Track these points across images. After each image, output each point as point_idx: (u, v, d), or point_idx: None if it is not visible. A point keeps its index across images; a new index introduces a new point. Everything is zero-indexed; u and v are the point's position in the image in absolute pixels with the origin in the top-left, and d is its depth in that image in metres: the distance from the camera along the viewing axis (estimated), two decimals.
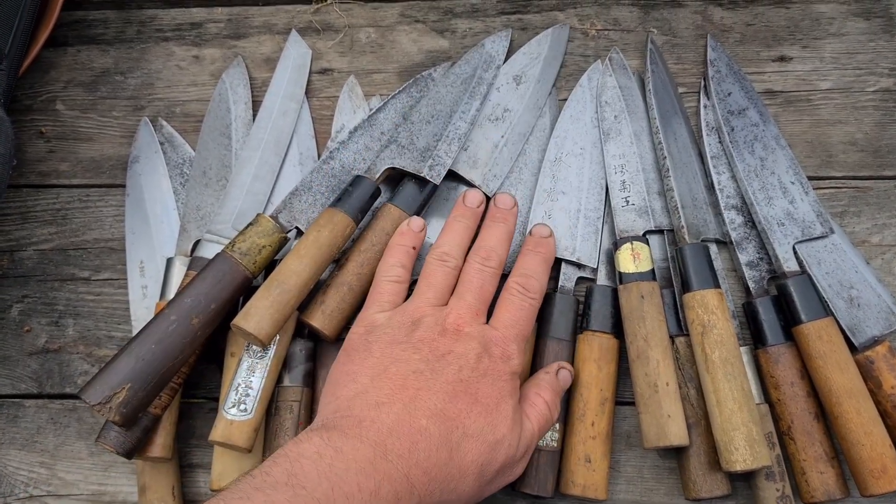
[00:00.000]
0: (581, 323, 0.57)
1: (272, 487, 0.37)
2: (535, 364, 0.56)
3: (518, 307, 0.50)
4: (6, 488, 0.57)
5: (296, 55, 0.65)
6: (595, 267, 0.58)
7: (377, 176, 0.57)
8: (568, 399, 0.55)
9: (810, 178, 0.59)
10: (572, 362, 0.56)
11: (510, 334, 0.49)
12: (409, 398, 0.43)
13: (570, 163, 0.60)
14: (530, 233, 0.55)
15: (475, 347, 0.47)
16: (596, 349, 0.55)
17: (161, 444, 0.53)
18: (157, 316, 0.50)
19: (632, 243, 0.56)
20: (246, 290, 0.53)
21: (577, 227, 0.58)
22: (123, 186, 0.63)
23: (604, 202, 0.59)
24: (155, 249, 0.60)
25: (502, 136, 0.60)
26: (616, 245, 0.57)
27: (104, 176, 0.64)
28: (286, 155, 0.62)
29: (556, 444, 0.54)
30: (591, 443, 0.53)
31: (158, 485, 0.54)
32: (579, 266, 0.58)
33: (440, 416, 0.43)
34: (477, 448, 0.43)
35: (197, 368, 0.57)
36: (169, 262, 0.58)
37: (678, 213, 0.57)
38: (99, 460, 0.57)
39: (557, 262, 0.58)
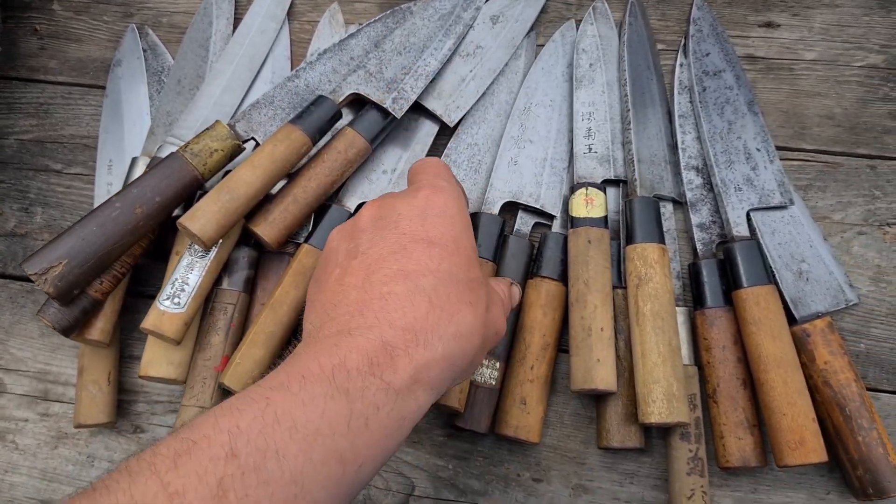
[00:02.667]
0: (532, 268, 0.57)
1: (228, 399, 0.34)
2: None
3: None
4: None
5: None
6: (557, 215, 0.58)
7: (341, 99, 0.58)
8: (511, 342, 0.55)
9: (780, 149, 0.58)
10: (521, 306, 0.56)
11: (441, 180, 0.44)
12: (362, 280, 0.39)
13: (538, 113, 0.60)
14: None
15: (405, 198, 0.42)
16: (543, 295, 0.55)
17: (100, 328, 0.55)
18: (104, 202, 0.52)
19: (587, 188, 0.56)
20: (193, 189, 0.54)
21: (543, 174, 0.58)
22: (103, 88, 0.65)
23: (568, 154, 0.59)
24: (125, 150, 0.62)
25: (471, 71, 0.60)
26: (572, 190, 0.56)
27: (88, 76, 0.66)
28: (259, 72, 0.63)
29: (494, 383, 0.54)
30: (528, 386, 0.53)
31: (95, 368, 0.56)
32: (539, 213, 0.58)
33: (399, 274, 0.38)
34: (456, 287, 0.38)
35: (148, 267, 0.59)
36: (133, 161, 0.60)
37: (633, 165, 0.56)
38: (48, 341, 0.60)
39: (516, 207, 0.58)
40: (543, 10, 0.63)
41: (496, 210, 0.57)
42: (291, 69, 0.64)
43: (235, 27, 0.65)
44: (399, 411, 0.35)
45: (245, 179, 0.53)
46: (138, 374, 0.54)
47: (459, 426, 0.54)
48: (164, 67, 0.64)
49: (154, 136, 0.61)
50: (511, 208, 0.58)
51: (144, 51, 0.65)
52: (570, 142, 0.59)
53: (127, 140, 0.62)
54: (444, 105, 0.60)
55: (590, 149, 0.58)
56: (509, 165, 0.58)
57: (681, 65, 0.60)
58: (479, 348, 0.39)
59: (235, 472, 0.30)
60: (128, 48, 0.65)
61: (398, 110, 0.58)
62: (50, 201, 0.63)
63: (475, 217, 0.56)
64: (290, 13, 0.65)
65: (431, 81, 0.60)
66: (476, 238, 0.55)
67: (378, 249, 0.40)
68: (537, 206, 0.57)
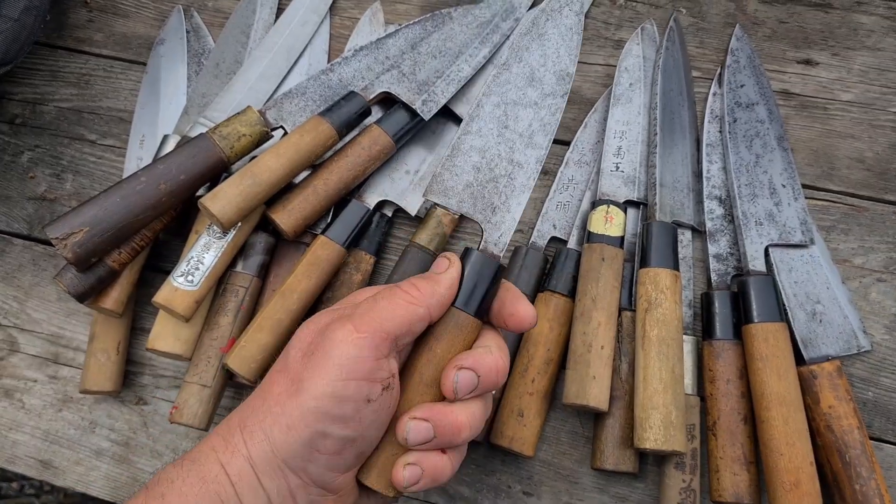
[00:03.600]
0: (544, 282, 0.57)
1: None
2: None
3: None
4: None
5: None
6: (567, 239, 0.57)
7: (371, 96, 0.59)
8: (515, 354, 0.55)
9: (806, 187, 0.57)
10: None
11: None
12: None
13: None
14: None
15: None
16: (551, 309, 0.55)
17: (115, 297, 0.56)
18: (129, 175, 0.53)
19: (608, 206, 0.56)
20: (218, 171, 0.55)
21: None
22: (144, 65, 0.66)
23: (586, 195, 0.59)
24: (158, 126, 0.64)
25: None
26: (593, 205, 0.56)
27: (131, 52, 0.67)
28: (296, 63, 0.64)
29: (493, 392, 0.54)
30: (527, 398, 0.53)
31: (106, 336, 0.57)
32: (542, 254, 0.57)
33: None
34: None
35: (168, 244, 0.60)
36: (164, 138, 0.61)
37: (654, 189, 0.56)
38: (64, 306, 0.61)
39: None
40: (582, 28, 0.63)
41: (544, 242, 0.58)
42: (328, 62, 0.64)
43: (278, 17, 0.66)
44: None
45: (269, 166, 0.54)
46: (146, 347, 0.55)
47: None
48: (204, 50, 0.66)
49: (187, 115, 0.62)
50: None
51: (188, 32, 0.66)
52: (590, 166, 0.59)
53: (161, 117, 0.64)
54: None
55: (617, 167, 0.58)
56: (558, 209, 0.59)
57: (714, 94, 0.60)
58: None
59: None
60: (172, 28, 0.66)
61: (427, 112, 0.58)
62: (81, 170, 0.65)
63: (516, 251, 0.57)
64: (333, 8, 0.66)
65: (462, 87, 0.60)
66: (520, 273, 0.56)
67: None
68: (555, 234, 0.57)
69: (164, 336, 0.54)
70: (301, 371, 0.38)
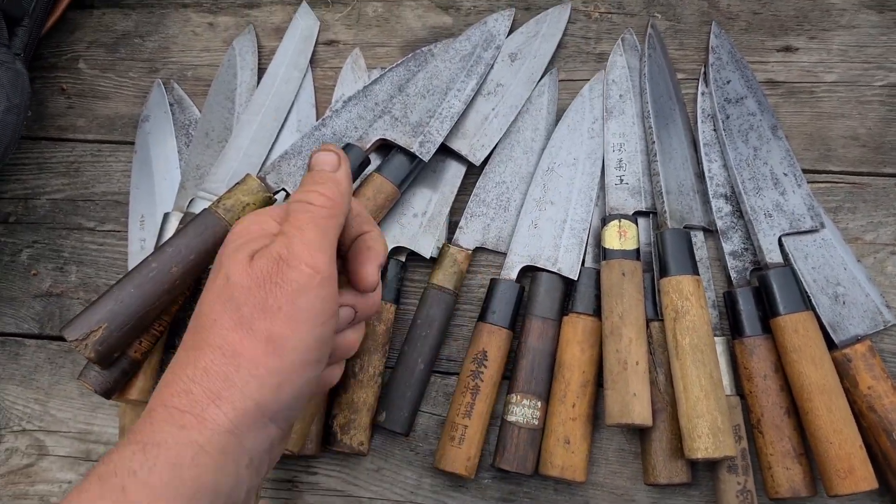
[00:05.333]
0: (567, 305, 0.57)
1: None
2: (520, 342, 0.56)
3: None
4: (2, 421, 0.60)
5: (304, 26, 0.67)
6: (576, 279, 0.57)
7: (368, 145, 0.59)
8: (550, 380, 0.55)
9: (807, 172, 0.58)
10: (559, 344, 0.56)
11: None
12: None
13: (561, 173, 0.59)
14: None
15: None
16: (580, 331, 0.55)
17: (140, 387, 0.55)
18: (140, 263, 0.53)
19: (619, 221, 0.56)
20: None
21: (562, 237, 0.58)
22: (132, 144, 0.66)
23: (591, 214, 0.59)
24: (156, 205, 0.63)
25: (493, 109, 0.61)
26: (604, 221, 0.57)
27: (116, 133, 0.67)
28: (285, 121, 0.63)
29: (536, 423, 0.54)
30: (570, 424, 0.53)
31: None
32: (562, 278, 0.57)
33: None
34: (209, 315, 0.37)
35: (184, 322, 0.59)
36: (165, 216, 0.60)
37: (662, 197, 0.56)
38: (88, 401, 0.60)
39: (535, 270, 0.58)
40: (562, 45, 0.64)
41: (514, 275, 0.57)
42: (317, 116, 0.64)
43: (260, 77, 0.65)
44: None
45: None
46: None
47: (504, 468, 0.53)
48: (191, 121, 0.65)
49: (185, 190, 0.62)
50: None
51: (171, 105, 0.66)
52: (591, 201, 0.59)
53: (158, 195, 0.63)
54: (469, 144, 0.60)
55: (621, 180, 0.58)
56: (529, 228, 0.58)
57: (702, 93, 0.60)
58: (266, 357, 0.36)
59: None
60: (154, 103, 0.66)
61: (426, 154, 0.58)
62: (84, 259, 0.64)
63: (493, 284, 0.57)
64: (313, 61, 0.66)
65: (456, 122, 0.60)
66: (491, 304, 0.56)
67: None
68: (554, 270, 0.57)
69: None
70: (271, 327, 0.36)
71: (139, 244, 0.62)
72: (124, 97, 0.68)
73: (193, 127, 0.65)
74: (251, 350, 0.36)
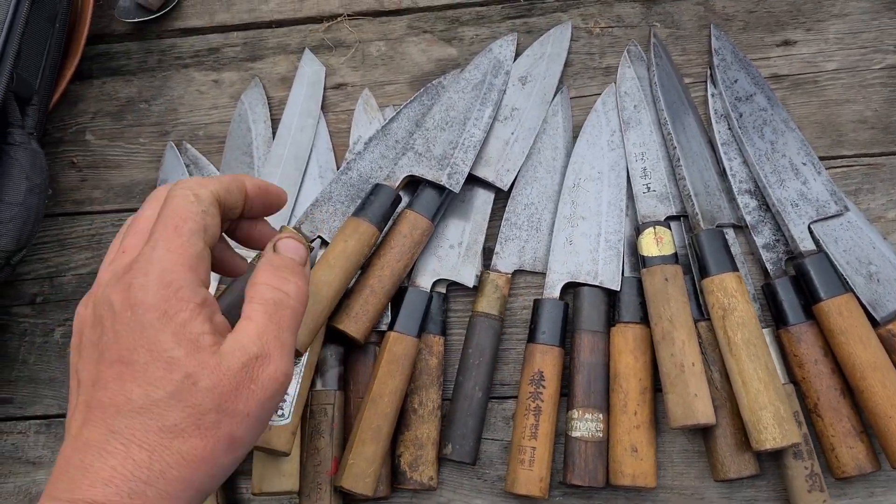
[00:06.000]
0: (613, 316, 0.58)
1: None
2: (573, 358, 0.57)
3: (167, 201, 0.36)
4: None
5: (310, 73, 0.67)
6: (618, 290, 0.58)
7: (396, 183, 0.59)
8: (608, 391, 0.56)
9: (822, 159, 0.60)
10: (610, 355, 0.57)
11: (151, 241, 0.35)
12: (71, 419, 0.34)
13: (588, 187, 0.61)
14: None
15: (109, 295, 0.34)
16: (630, 340, 0.56)
17: None
18: None
19: (654, 228, 0.57)
20: None
21: (599, 250, 0.59)
22: None
23: (623, 224, 0.60)
24: None
25: (512, 133, 0.62)
26: (638, 230, 0.58)
27: (135, 200, 0.66)
28: (306, 169, 0.64)
29: (601, 435, 0.55)
30: (635, 432, 0.54)
31: None
32: (604, 290, 0.58)
33: (96, 417, 0.33)
34: (154, 416, 0.32)
35: None
36: None
37: (691, 200, 0.58)
38: None
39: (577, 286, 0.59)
40: (568, 63, 0.65)
41: (557, 293, 0.58)
42: (335, 160, 0.65)
43: (274, 129, 0.66)
44: None
45: (325, 280, 0.54)
46: (252, 493, 0.54)
47: (576, 483, 0.54)
48: None
49: None
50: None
51: (187, 166, 0.66)
52: (622, 211, 0.60)
53: None
54: (495, 171, 0.61)
55: (648, 188, 0.59)
56: (564, 246, 0.59)
57: (712, 94, 0.62)
58: (221, 462, 0.33)
59: None
60: (170, 166, 0.66)
61: (455, 185, 0.59)
62: None
63: (538, 304, 0.57)
64: (324, 106, 0.66)
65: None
66: (539, 324, 0.57)
67: (85, 380, 0.34)
68: (596, 284, 0.58)
69: (268, 477, 0.53)
70: (235, 431, 0.34)
71: None
72: (137, 163, 0.68)
73: None
74: (206, 452, 0.33)
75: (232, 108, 0.68)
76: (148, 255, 0.34)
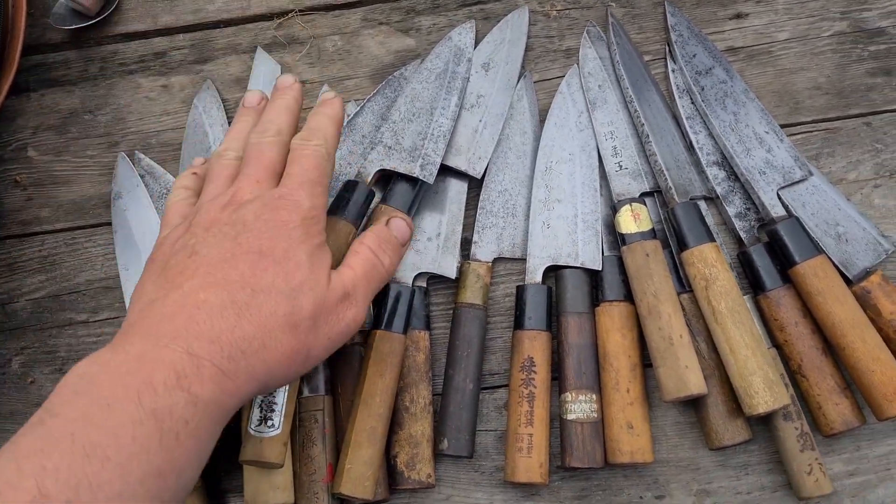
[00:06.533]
0: (597, 296, 0.58)
1: (24, 433, 0.34)
2: (560, 342, 0.56)
3: (300, 156, 0.46)
4: None
5: (265, 71, 0.65)
6: (600, 269, 0.58)
7: (369, 179, 0.58)
8: (599, 371, 0.56)
9: (782, 126, 0.61)
10: (597, 334, 0.57)
11: (295, 183, 0.45)
12: (185, 280, 0.40)
13: (560, 170, 0.60)
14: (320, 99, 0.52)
15: (254, 209, 0.43)
16: (616, 318, 0.56)
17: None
18: None
19: (630, 205, 0.57)
20: None
21: (577, 232, 0.59)
22: (109, 224, 0.62)
23: (599, 204, 0.60)
24: None
25: (480, 121, 0.61)
26: (615, 208, 0.58)
27: (88, 216, 0.63)
28: None
29: (595, 415, 0.55)
30: (629, 409, 0.54)
31: None
32: (585, 270, 0.58)
33: (221, 284, 0.40)
34: (272, 300, 0.40)
35: None
36: None
37: (664, 175, 0.58)
38: None
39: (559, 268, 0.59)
40: (528, 48, 0.65)
41: (539, 277, 0.58)
42: None
43: None
44: (209, 419, 0.37)
45: None
46: None
47: (575, 466, 0.54)
48: (167, 189, 0.62)
49: None
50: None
51: (142, 176, 0.63)
52: (597, 191, 0.60)
53: None
54: (466, 159, 0.60)
55: (620, 166, 0.60)
56: (542, 230, 0.59)
57: (672, 70, 0.63)
58: (293, 362, 0.41)
59: None
60: (124, 177, 0.63)
61: (429, 176, 0.58)
62: (83, 355, 0.58)
63: (522, 290, 0.57)
64: None
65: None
66: (524, 310, 0.56)
67: (211, 254, 0.41)
68: (578, 265, 0.58)
69: (262, 491, 0.51)
70: (313, 348, 0.42)
71: None
72: (88, 178, 0.64)
73: None
74: (290, 350, 0.41)
75: (184, 114, 0.65)
76: (297, 192, 0.44)
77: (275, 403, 0.51)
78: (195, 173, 0.52)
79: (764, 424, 0.56)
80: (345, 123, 0.61)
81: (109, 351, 0.38)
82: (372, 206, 0.58)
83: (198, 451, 0.37)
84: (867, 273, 0.56)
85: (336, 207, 0.55)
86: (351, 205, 0.55)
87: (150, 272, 0.43)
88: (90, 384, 0.35)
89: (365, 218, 0.57)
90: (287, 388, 0.52)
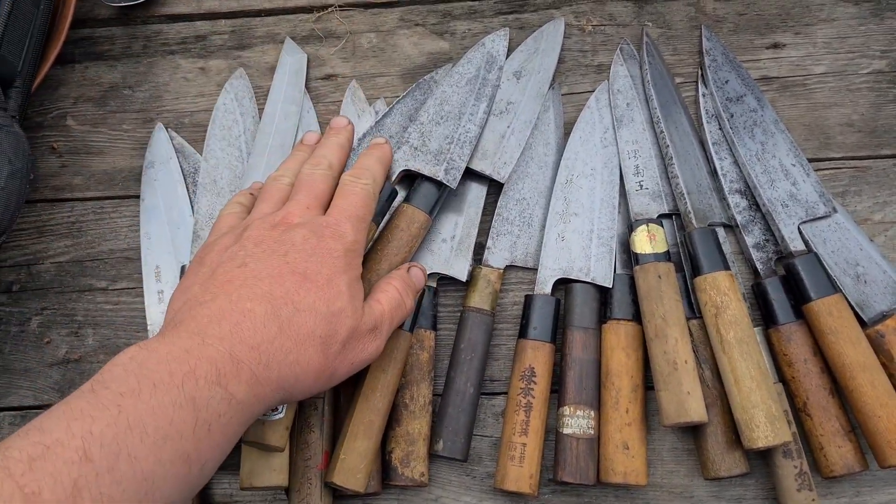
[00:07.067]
0: (605, 313, 0.58)
1: (75, 397, 0.36)
2: (564, 355, 0.56)
3: (349, 192, 0.50)
4: None
5: (291, 61, 0.66)
6: (610, 287, 0.58)
7: (393, 178, 0.58)
8: (600, 388, 0.56)
9: (810, 160, 0.61)
10: (602, 352, 0.56)
11: (342, 216, 0.48)
12: (233, 289, 0.43)
13: (581, 184, 0.60)
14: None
15: (302, 233, 0.46)
16: (622, 337, 0.56)
17: None
18: None
19: (647, 225, 0.57)
20: None
21: (591, 247, 0.59)
22: (136, 197, 0.64)
23: (616, 221, 0.60)
24: (171, 255, 0.61)
25: (508, 126, 0.62)
26: (631, 227, 0.58)
27: (117, 188, 0.65)
28: None
29: (592, 432, 0.54)
30: (627, 430, 0.54)
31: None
32: (595, 286, 0.58)
33: (266, 297, 0.43)
34: (311, 320, 0.43)
35: None
36: (183, 269, 0.59)
37: (684, 198, 0.58)
38: None
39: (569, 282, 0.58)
40: (560, 60, 0.65)
41: (548, 289, 0.58)
42: None
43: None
44: (238, 418, 0.40)
45: None
46: (240, 487, 0.52)
47: (567, 481, 0.54)
48: (195, 168, 0.64)
49: (200, 239, 0.60)
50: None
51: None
52: (615, 208, 0.60)
53: (173, 244, 0.61)
54: (492, 164, 0.61)
55: (640, 185, 0.60)
56: (557, 241, 0.59)
57: (703, 94, 0.63)
58: (319, 379, 0.44)
59: (90, 474, 0.33)
60: (158, 148, 0.64)
61: (453, 181, 0.58)
62: (100, 321, 0.61)
63: (530, 300, 0.57)
64: (314, 97, 0.65)
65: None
66: (530, 319, 0.57)
67: (259, 268, 0.45)
68: (588, 280, 0.58)
69: (258, 471, 0.52)
70: (337, 372, 0.46)
71: (157, 296, 0.60)
72: (121, 150, 0.66)
73: (199, 174, 0.63)
74: (316, 369, 0.44)
75: (218, 97, 0.66)
76: (343, 224, 0.48)
77: None
78: (252, 194, 0.55)
79: (763, 459, 0.56)
80: (373, 123, 0.62)
81: (158, 341, 0.40)
82: (394, 204, 0.59)
83: (221, 447, 0.40)
84: (883, 316, 0.55)
85: None
86: None
87: (197, 275, 0.46)
88: (140, 366, 0.38)
89: (387, 215, 0.58)
90: None
